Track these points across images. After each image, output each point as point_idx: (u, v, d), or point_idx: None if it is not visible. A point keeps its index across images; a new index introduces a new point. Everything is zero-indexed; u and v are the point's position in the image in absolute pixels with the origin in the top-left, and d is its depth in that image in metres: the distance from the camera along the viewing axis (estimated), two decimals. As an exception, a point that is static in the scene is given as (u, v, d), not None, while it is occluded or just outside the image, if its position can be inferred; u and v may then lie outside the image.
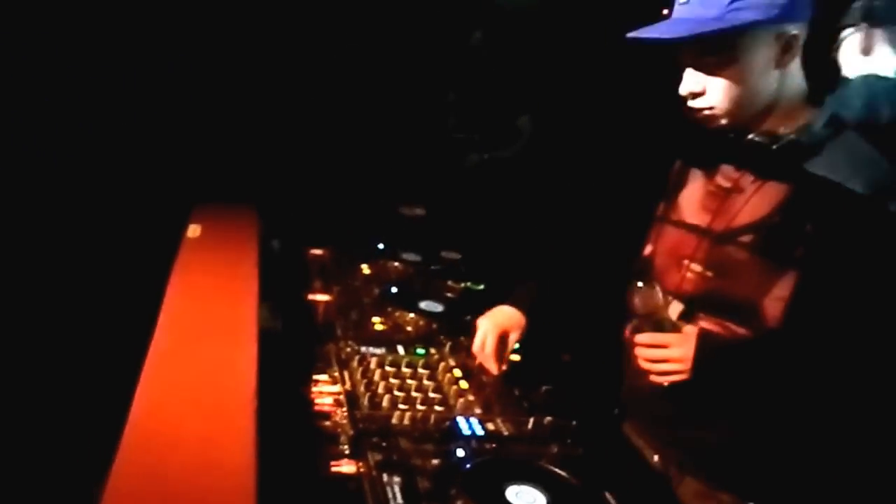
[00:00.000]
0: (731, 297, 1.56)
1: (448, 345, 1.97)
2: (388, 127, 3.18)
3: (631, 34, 1.55)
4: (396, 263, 2.49)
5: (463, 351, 1.93)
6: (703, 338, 1.57)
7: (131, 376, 1.55)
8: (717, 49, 1.51)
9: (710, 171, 1.66)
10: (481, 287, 2.39)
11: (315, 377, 1.74)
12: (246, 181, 2.89)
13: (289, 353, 1.83)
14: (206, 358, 1.67)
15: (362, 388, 1.69)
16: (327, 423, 1.59)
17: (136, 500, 1.20)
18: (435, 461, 1.48)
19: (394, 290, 2.23)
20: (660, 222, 1.75)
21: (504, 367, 1.86)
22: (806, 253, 1.47)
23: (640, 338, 1.63)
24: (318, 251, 2.54)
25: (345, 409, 1.62)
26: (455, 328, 2.05)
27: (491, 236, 2.78)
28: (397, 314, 2.09)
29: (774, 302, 1.50)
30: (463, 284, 2.39)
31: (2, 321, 2.81)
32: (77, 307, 2.93)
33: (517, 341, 1.89)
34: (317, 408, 1.63)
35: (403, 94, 3.20)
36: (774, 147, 1.52)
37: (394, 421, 1.58)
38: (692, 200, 1.69)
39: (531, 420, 1.66)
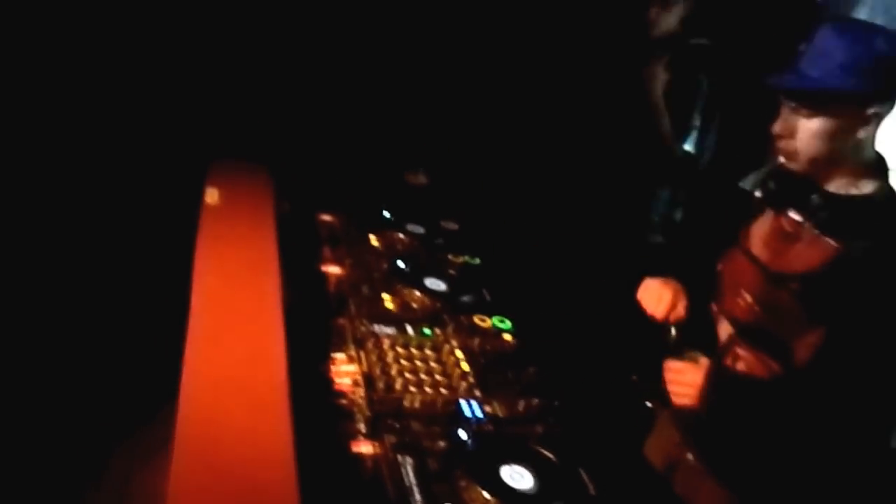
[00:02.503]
0: (770, 333, 1.85)
1: (451, 326, 2.14)
2: (396, 92, 3.29)
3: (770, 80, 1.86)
4: (402, 235, 2.62)
5: (464, 332, 2.12)
6: (713, 370, 1.83)
7: (173, 360, 1.74)
8: (811, 104, 1.80)
9: (779, 212, 1.95)
10: (478, 261, 2.55)
11: (333, 355, 1.95)
12: (259, 138, 3.00)
13: (310, 328, 2.02)
14: (239, 338, 1.86)
15: (378, 371, 1.88)
16: (344, 401, 1.79)
17: (199, 494, 1.40)
18: (441, 443, 1.69)
19: (401, 264, 2.38)
20: (735, 245, 2.00)
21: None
22: (841, 311, 1.75)
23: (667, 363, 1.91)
24: (327, 217, 2.66)
25: (362, 389, 1.82)
26: (456, 308, 2.23)
27: (489, 206, 2.94)
28: (405, 292, 2.25)
29: (806, 347, 1.76)
30: (461, 258, 2.54)
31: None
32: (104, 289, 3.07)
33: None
34: (336, 387, 1.85)
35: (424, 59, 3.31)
36: (836, 207, 1.82)
37: (406, 403, 1.81)
38: (760, 234, 1.99)
39: (521, 402, 1.90)
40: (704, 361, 1.91)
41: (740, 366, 1.94)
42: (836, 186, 1.88)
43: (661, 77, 3.09)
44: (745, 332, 1.92)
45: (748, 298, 1.91)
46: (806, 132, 1.83)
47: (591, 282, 2.43)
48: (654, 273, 2.26)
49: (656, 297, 2.17)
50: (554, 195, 3.20)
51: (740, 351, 1.92)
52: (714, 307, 2.08)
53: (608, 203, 3.19)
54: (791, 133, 1.86)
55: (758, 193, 2.06)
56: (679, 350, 2.00)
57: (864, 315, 1.73)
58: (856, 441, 1.78)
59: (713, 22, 3.20)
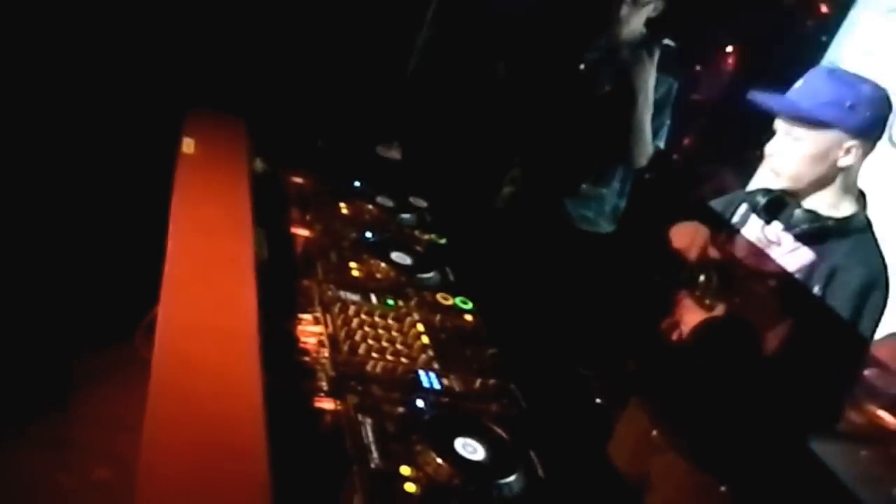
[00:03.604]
0: (745, 322, 2.11)
1: (414, 300, 2.20)
2: (380, 66, 3.33)
3: (753, 94, 2.18)
4: (371, 206, 2.66)
5: (425, 307, 2.19)
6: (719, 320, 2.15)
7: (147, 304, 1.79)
8: (801, 129, 2.11)
9: (767, 221, 2.25)
10: (443, 241, 2.60)
11: (300, 315, 2.01)
12: (239, 92, 3.01)
13: (278, 285, 2.07)
14: (212, 286, 1.91)
15: (343, 335, 1.94)
16: (308, 359, 1.85)
17: (172, 426, 1.45)
18: (400, 408, 1.76)
19: (369, 236, 2.44)
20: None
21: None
22: (809, 313, 2.05)
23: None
24: (299, 179, 2.69)
25: (327, 350, 1.88)
26: (420, 283, 2.29)
27: (459, 188, 3.00)
28: (372, 262, 2.31)
29: (775, 338, 2.05)
30: (428, 236, 2.60)
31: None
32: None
33: None
34: (301, 345, 1.91)
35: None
36: (816, 224, 2.12)
37: (368, 368, 1.87)
38: (746, 236, 2.28)
39: (478, 379, 1.97)
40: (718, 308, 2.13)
41: (720, 352, 2.19)
42: (817, 205, 2.16)
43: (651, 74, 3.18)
44: (720, 320, 2.11)
45: (728, 290, 2.11)
46: (792, 154, 2.12)
47: (550, 269, 2.52)
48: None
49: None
50: (520, 181, 3.27)
51: (721, 336, 2.11)
52: (688, 294, 2.24)
53: (568, 193, 3.29)
54: (781, 153, 2.14)
55: (745, 206, 2.32)
56: (707, 292, 2.16)
57: (827, 320, 1.94)
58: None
59: (679, 24, 3.30)
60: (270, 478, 1.39)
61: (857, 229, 2.16)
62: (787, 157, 2.16)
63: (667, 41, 3.25)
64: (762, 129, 2.26)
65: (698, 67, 3.41)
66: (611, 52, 3.26)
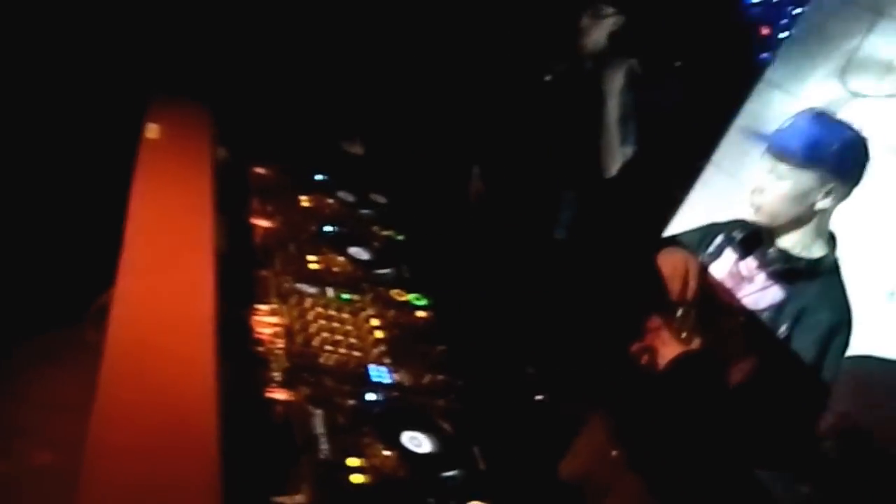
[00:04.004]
0: (712, 354, 2.18)
1: (369, 295, 2.25)
2: (349, 60, 3.35)
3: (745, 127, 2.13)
4: (332, 200, 2.69)
5: (381, 302, 2.24)
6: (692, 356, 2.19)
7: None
8: (786, 167, 2.18)
9: (741, 256, 2.29)
10: (401, 238, 2.65)
11: (256, 305, 2.04)
12: (205, 79, 3.02)
13: (236, 274, 2.11)
14: (170, 271, 1.94)
15: (298, 326, 1.99)
16: (262, 349, 1.89)
17: (123, 410, 1.48)
18: (350, 401, 1.81)
19: (328, 229, 2.47)
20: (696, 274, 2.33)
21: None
22: (774, 349, 2.13)
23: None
24: (261, 170, 2.71)
25: (282, 341, 1.92)
26: (376, 279, 2.34)
27: (419, 187, 3.04)
28: (330, 256, 2.35)
29: (740, 371, 2.11)
30: (386, 232, 2.64)
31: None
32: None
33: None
34: (257, 335, 1.95)
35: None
36: (788, 264, 2.20)
37: (321, 360, 1.92)
38: (719, 269, 2.33)
39: (428, 376, 2.03)
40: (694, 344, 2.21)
41: (687, 379, 2.23)
42: (791, 245, 2.24)
43: (606, 99, 3.25)
44: (688, 350, 2.17)
45: (699, 322, 2.17)
46: (774, 192, 2.19)
47: (505, 272, 2.57)
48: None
49: (674, 270, 2.38)
50: (482, 184, 3.33)
51: (689, 365, 2.17)
52: (663, 321, 2.31)
53: (530, 199, 3.35)
54: (763, 190, 2.21)
55: (722, 237, 2.39)
56: (684, 325, 2.22)
57: (792, 360, 2.02)
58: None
59: (641, 41, 3.36)
60: (221, 466, 1.43)
61: (826, 271, 2.23)
62: (769, 193, 2.21)
63: (629, 56, 3.31)
64: (713, 144, 2.35)
65: (658, 82, 3.48)
66: (576, 62, 3.32)
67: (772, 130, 2.29)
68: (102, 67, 3.07)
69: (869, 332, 2.39)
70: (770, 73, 3.57)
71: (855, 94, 3.17)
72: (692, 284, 2.35)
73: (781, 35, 3.64)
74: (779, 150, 2.21)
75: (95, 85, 3.07)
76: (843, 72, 3.37)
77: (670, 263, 2.39)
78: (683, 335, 2.27)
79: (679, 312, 2.30)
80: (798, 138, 2.18)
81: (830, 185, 2.18)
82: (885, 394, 2.84)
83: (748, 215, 2.31)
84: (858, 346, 2.24)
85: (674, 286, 2.35)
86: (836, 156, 2.16)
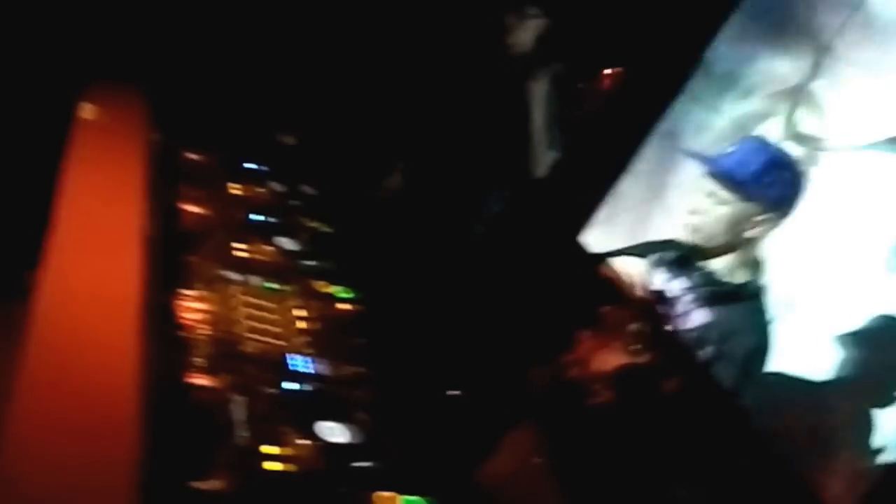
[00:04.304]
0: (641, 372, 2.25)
1: (295, 285, 2.28)
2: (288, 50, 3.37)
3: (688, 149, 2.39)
4: (262, 189, 2.72)
5: (305, 293, 2.27)
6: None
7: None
8: (724, 193, 2.24)
9: (672, 277, 2.37)
10: (329, 230, 2.69)
11: (184, 290, 2.08)
12: (142, 62, 3.01)
13: (164, 259, 2.14)
14: (99, 253, 1.97)
15: (224, 313, 2.02)
16: (187, 335, 1.92)
17: (46, 391, 1.51)
18: (271, 389, 1.86)
19: (257, 218, 2.50)
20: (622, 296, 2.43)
21: None
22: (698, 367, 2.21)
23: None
24: (193, 155, 2.73)
25: (207, 327, 1.96)
26: (302, 270, 2.38)
27: (348, 178, 3.08)
28: (257, 245, 2.37)
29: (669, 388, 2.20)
30: (314, 224, 2.67)
31: None
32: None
33: None
34: (183, 320, 1.99)
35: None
36: (716, 287, 2.26)
37: (244, 348, 1.96)
38: (650, 288, 2.39)
39: (347, 367, 2.09)
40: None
41: (612, 394, 2.29)
42: (721, 269, 2.31)
43: (533, 99, 3.31)
44: (622, 368, 2.28)
45: (628, 341, 2.25)
46: (711, 215, 2.26)
47: (426, 267, 2.64)
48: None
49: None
50: (407, 180, 3.37)
51: (616, 380, 2.27)
52: (595, 336, 2.39)
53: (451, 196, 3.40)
54: (700, 212, 2.28)
55: (656, 257, 2.45)
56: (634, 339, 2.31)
57: (714, 381, 2.11)
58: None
59: (567, 47, 3.43)
60: (141, 448, 1.47)
61: (752, 296, 2.31)
62: (705, 217, 2.28)
63: (556, 60, 3.38)
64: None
65: (582, 88, 3.56)
66: (504, 62, 3.37)
67: (714, 153, 2.35)
68: (40, 48, 3.04)
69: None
70: (692, 87, 3.65)
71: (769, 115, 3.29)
72: (641, 299, 2.44)
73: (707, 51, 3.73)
74: (722, 176, 2.26)
75: (31, 65, 3.03)
76: (762, 90, 3.48)
77: (617, 277, 2.49)
78: (631, 349, 2.35)
79: (631, 327, 2.38)
80: (744, 166, 2.24)
81: (768, 215, 2.25)
82: (794, 408, 2.97)
83: (681, 235, 2.39)
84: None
85: (625, 300, 2.44)
86: (776, 188, 2.23)
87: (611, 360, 2.32)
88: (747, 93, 3.49)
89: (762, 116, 3.03)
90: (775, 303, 2.37)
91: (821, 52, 2.74)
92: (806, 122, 2.69)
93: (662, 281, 2.42)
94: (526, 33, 3.32)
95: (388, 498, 1.71)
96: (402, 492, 1.75)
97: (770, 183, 2.22)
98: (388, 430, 1.91)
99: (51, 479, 1.35)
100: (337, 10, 3.38)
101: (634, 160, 3.42)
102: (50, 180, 2.10)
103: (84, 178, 2.19)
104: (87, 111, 2.50)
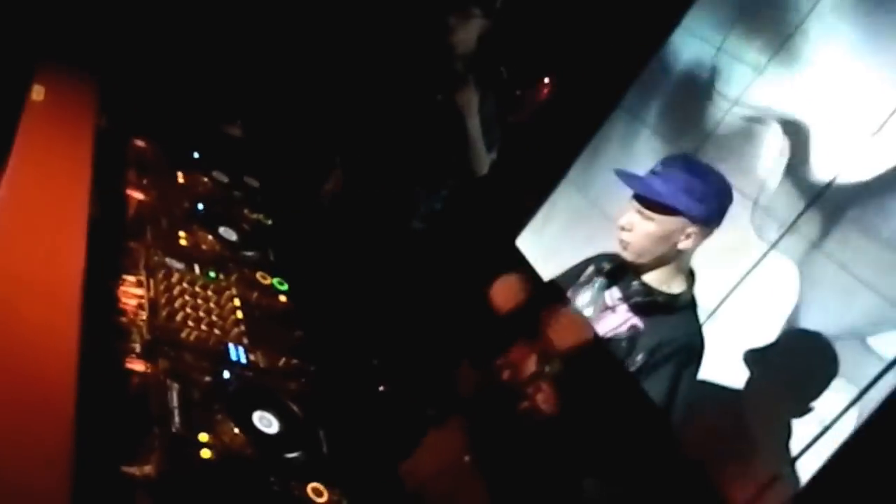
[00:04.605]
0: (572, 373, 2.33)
1: (235, 275, 2.32)
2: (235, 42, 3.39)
3: (618, 169, 2.41)
4: (206, 179, 2.74)
5: (244, 283, 2.32)
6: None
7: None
8: (653, 211, 2.32)
9: (606, 287, 2.43)
10: (270, 222, 2.73)
11: (124, 276, 2.11)
12: (90, 46, 3.01)
13: (106, 244, 2.16)
14: (41, 237, 1.98)
15: (163, 300, 2.05)
16: (125, 320, 1.96)
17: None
18: (207, 378, 1.89)
19: (200, 207, 2.53)
20: (560, 302, 2.52)
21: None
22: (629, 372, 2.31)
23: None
24: (140, 142, 2.74)
25: (145, 314, 2.00)
26: (242, 260, 2.42)
27: (290, 172, 3.12)
28: (200, 234, 2.40)
29: (596, 394, 2.31)
30: (256, 216, 2.70)
31: None
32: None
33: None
34: (121, 305, 2.02)
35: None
36: (649, 297, 2.36)
37: (182, 335, 2.00)
38: (585, 297, 2.48)
39: (283, 359, 2.14)
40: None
41: (540, 397, 2.37)
42: (652, 280, 2.42)
43: (473, 101, 3.37)
44: (550, 372, 2.35)
45: (563, 345, 2.34)
46: (641, 231, 2.36)
47: (365, 262, 2.70)
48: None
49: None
50: (354, 178, 3.42)
51: (543, 384, 2.34)
52: (528, 341, 2.46)
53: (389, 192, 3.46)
54: (630, 228, 2.37)
55: (592, 268, 2.54)
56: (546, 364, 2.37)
57: (645, 387, 2.20)
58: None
59: (508, 47, 3.50)
60: (74, 433, 1.50)
61: (683, 306, 2.41)
62: (636, 233, 2.37)
63: (497, 61, 3.44)
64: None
65: (519, 92, 3.64)
66: (445, 62, 3.42)
67: (638, 169, 2.46)
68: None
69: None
70: (626, 100, 3.78)
71: (708, 130, 3.41)
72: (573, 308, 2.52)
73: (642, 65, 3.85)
74: (648, 195, 2.35)
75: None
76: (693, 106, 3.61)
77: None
78: (539, 351, 2.43)
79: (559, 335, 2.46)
80: (668, 184, 2.33)
81: (693, 229, 2.36)
82: (717, 415, 3.10)
83: (616, 248, 2.47)
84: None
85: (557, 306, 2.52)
86: (702, 203, 2.33)
87: (538, 364, 2.39)
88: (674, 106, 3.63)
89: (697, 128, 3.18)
90: (701, 313, 2.49)
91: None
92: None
93: (598, 292, 2.49)
94: (469, 33, 3.36)
95: (316, 490, 1.76)
96: (331, 484, 1.79)
97: (696, 200, 2.31)
98: (320, 422, 1.94)
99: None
100: (287, 6, 3.41)
101: (570, 168, 3.54)
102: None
103: (32, 159, 2.19)
104: (38, 93, 2.49)
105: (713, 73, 3.52)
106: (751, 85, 3.35)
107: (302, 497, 1.74)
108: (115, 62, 2.96)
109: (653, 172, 2.40)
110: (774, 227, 2.97)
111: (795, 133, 3.06)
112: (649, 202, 2.35)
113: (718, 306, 2.95)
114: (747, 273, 3.09)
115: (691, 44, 3.66)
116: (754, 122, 3.28)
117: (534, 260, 3.31)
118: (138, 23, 3.15)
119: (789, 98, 3.11)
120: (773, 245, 2.95)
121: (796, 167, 3.02)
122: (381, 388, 2.42)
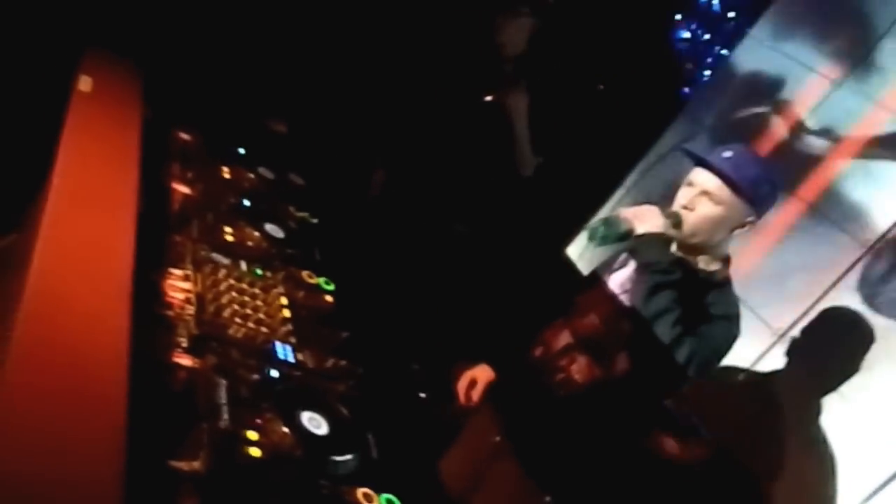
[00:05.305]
0: (604, 347, 2.31)
1: (281, 273, 2.27)
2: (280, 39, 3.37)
3: (688, 146, 2.38)
4: (252, 175, 2.70)
5: (291, 282, 2.27)
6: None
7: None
8: (725, 194, 2.25)
9: (644, 268, 2.31)
10: (315, 221, 2.68)
11: (171, 269, 2.07)
12: (137, 36, 2.99)
13: (154, 237, 2.12)
14: (92, 227, 1.95)
15: (210, 295, 2.01)
16: (171, 313, 1.91)
17: (35, 363, 1.49)
18: (254, 375, 1.84)
19: (246, 203, 2.48)
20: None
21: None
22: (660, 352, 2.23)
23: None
24: (185, 135, 2.70)
25: (192, 308, 1.96)
26: (289, 258, 2.37)
27: (337, 171, 3.08)
28: (246, 230, 2.36)
29: (625, 360, 2.28)
30: (302, 214, 2.66)
31: None
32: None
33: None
34: (168, 298, 1.97)
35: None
36: (686, 273, 2.28)
37: (229, 332, 1.95)
38: (623, 278, 2.38)
39: (330, 359, 2.08)
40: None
41: (574, 368, 2.33)
42: (693, 258, 2.34)
43: (521, 103, 3.33)
44: (584, 344, 2.32)
45: (596, 320, 2.32)
46: (703, 213, 2.26)
47: (411, 265, 2.66)
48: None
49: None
50: (398, 179, 3.39)
51: (577, 356, 2.31)
52: (562, 321, 2.42)
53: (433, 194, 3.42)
54: (692, 208, 2.27)
55: (626, 252, 2.44)
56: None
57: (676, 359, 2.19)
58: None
59: (561, 46, 3.45)
60: (126, 424, 1.46)
61: (721, 282, 2.34)
62: (697, 213, 2.27)
63: (547, 66, 3.39)
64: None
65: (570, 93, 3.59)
66: (496, 63, 3.38)
67: (712, 153, 2.34)
68: (40, 16, 3.00)
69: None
70: (690, 108, 3.72)
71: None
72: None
73: (705, 73, 3.79)
74: (730, 176, 2.25)
75: (32, 33, 2.99)
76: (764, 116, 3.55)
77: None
78: (581, 333, 2.38)
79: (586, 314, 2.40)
80: (740, 170, 2.26)
81: (751, 219, 2.30)
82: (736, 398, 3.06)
83: (665, 228, 2.32)
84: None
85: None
86: (766, 194, 2.29)
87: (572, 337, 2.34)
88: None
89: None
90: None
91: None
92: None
93: (631, 271, 2.43)
94: (519, 33, 3.32)
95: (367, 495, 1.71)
96: (377, 489, 1.74)
97: (764, 189, 2.29)
98: (367, 425, 1.89)
99: (37, 449, 1.34)
100: (334, 5, 3.38)
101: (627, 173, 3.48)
102: (46, 148, 2.06)
103: (80, 150, 2.16)
104: (85, 83, 2.46)
105: (780, 82, 3.47)
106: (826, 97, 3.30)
107: (352, 502, 1.68)
108: (161, 53, 2.93)
109: (725, 156, 2.31)
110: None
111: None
112: (724, 184, 2.26)
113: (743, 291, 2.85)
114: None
115: (759, 52, 3.60)
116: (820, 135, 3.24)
117: (584, 270, 3.24)
118: (186, 15, 3.12)
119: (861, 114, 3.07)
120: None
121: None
122: (421, 395, 2.38)
